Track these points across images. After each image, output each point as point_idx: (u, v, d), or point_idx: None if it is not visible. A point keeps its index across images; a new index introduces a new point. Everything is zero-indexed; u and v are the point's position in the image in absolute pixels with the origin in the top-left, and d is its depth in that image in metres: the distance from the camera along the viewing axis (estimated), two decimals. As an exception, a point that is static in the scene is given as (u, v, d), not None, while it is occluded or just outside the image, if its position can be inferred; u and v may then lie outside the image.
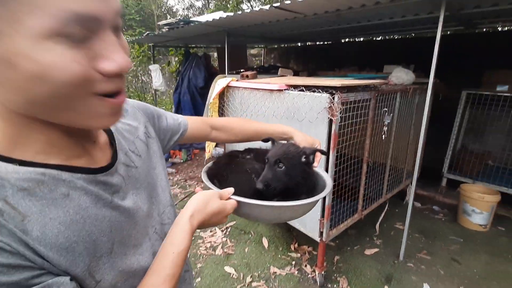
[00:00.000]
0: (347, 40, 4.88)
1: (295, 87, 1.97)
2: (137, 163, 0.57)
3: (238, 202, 0.63)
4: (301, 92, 1.90)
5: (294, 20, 2.60)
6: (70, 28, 0.33)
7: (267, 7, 2.20)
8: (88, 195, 0.43)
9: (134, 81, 7.52)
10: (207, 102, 2.80)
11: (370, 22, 2.80)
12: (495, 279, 2.11)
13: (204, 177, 0.76)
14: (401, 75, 2.42)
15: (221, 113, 2.71)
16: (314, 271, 2.17)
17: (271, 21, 2.71)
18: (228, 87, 2.58)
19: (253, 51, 6.85)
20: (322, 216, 1.92)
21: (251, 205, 0.64)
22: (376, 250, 2.43)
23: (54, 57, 0.33)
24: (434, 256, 2.36)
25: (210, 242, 2.57)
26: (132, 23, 10.59)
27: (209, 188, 0.68)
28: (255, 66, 4.97)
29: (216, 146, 3.65)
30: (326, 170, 1.82)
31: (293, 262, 2.30)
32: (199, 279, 2.14)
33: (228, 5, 8.18)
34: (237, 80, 2.59)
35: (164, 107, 7.48)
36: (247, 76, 2.68)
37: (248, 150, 0.90)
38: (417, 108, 2.73)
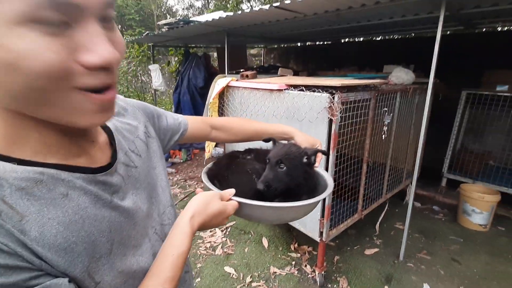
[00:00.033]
0: (347, 40, 4.88)
1: (295, 87, 1.97)
2: (137, 163, 0.56)
3: (239, 203, 0.63)
4: (301, 92, 1.89)
5: (294, 20, 2.60)
6: (45, 13, 0.30)
7: (267, 6, 2.19)
8: (87, 195, 0.43)
9: (133, 81, 7.51)
10: (207, 102, 2.80)
11: (370, 22, 2.80)
12: (495, 279, 2.11)
13: (204, 178, 0.75)
14: (401, 75, 2.42)
15: (221, 113, 2.70)
16: (314, 271, 2.17)
17: (271, 21, 2.71)
18: (228, 87, 2.58)
19: (253, 51, 6.85)
20: (322, 216, 1.92)
21: (252, 206, 0.63)
22: (376, 250, 2.43)
23: (27, 45, 0.31)
24: (434, 256, 2.36)
25: (210, 242, 2.56)
26: (132, 23, 10.59)
27: (209, 189, 0.67)
28: (255, 66, 4.97)
29: (216, 146, 3.65)
30: (326, 170, 1.81)
31: (293, 262, 2.30)
32: (198, 279, 2.14)
33: (228, 5, 8.18)
34: (237, 80, 2.59)
35: (163, 107, 7.48)
36: (247, 76, 2.68)
37: (249, 151, 0.90)
38: (417, 108, 2.73)
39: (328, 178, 0.81)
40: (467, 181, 3.09)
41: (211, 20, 2.81)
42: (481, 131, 3.25)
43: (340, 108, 1.71)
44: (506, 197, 2.79)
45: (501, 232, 2.70)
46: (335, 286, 2.07)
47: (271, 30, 3.37)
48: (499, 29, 3.65)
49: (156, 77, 4.89)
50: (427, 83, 1.98)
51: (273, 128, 0.90)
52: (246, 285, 2.07)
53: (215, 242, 2.56)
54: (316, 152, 0.79)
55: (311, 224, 2.02)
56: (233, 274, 2.18)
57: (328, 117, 1.74)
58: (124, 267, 0.46)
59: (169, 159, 4.51)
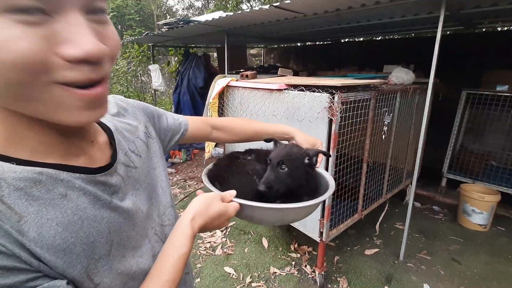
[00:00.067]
0: (347, 40, 4.88)
1: (295, 86, 1.97)
2: (137, 163, 0.56)
3: (241, 204, 0.62)
4: (301, 92, 1.89)
5: (293, 20, 2.60)
6: (18, 1, 0.29)
7: (266, 6, 2.19)
8: (87, 195, 0.43)
9: (133, 81, 7.51)
10: (206, 102, 2.80)
11: (370, 22, 2.80)
12: (495, 279, 2.11)
13: (205, 179, 0.74)
14: (401, 75, 2.42)
15: (221, 113, 2.70)
16: (314, 271, 2.17)
17: (271, 21, 2.71)
18: (227, 87, 2.58)
19: (252, 51, 6.85)
20: (322, 216, 1.92)
21: (254, 208, 0.63)
22: (376, 250, 2.43)
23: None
24: (434, 256, 2.36)
25: (210, 242, 2.56)
26: (132, 23, 10.59)
27: (210, 191, 0.67)
28: (254, 66, 4.97)
29: (215, 146, 3.65)
30: (326, 170, 1.81)
31: (293, 263, 2.30)
32: (198, 279, 2.14)
33: (228, 5, 8.18)
34: (236, 80, 2.58)
35: (163, 107, 7.47)
36: (246, 76, 2.68)
37: (249, 151, 0.89)
38: (417, 108, 2.72)
39: (329, 178, 0.81)
40: (467, 181, 3.09)
41: (211, 20, 2.81)
42: (481, 131, 3.24)
43: (340, 108, 1.71)
44: (506, 197, 2.79)
45: (501, 232, 2.70)
46: (335, 286, 2.06)
47: (271, 30, 3.37)
48: (499, 29, 3.66)
49: (156, 77, 4.89)
50: (427, 83, 1.98)
51: (273, 128, 0.90)
52: (246, 286, 2.07)
53: (215, 242, 2.56)
54: (317, 153, 0.79)
55: (311, 224, 2.02)
56: (233, 274, 2.17)
57: (328, 117, 1.74)
58: (124, 269, 0.46)
59: (169, 159, 4.51)
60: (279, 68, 3.43)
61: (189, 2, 14.14)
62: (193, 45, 5.48)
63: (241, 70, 3.17)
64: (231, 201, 0.62)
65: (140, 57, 6.55)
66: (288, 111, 1.99)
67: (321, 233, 1.97)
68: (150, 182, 0.58)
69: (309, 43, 5.32)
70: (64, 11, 0.32)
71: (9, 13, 0.29)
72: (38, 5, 0.30)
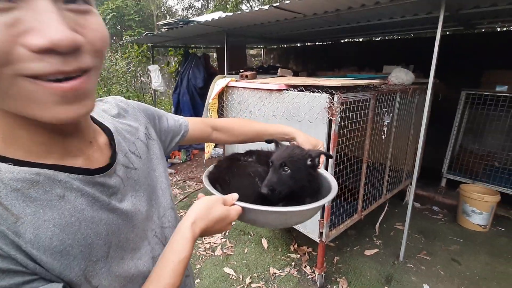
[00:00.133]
0: (346, 40, 4.88)
1: (295, 87, 1.96)
2: (136, 164, 0.55)
3: (243, 208, 0.61)
4: (301, 92, 1.89)
5: (293, 20, 2.60)
6: None
7: (266, 7, 2.19)
8: (85, 196, 0.42)
9: (133, 82, 7.51)
10: (206, 102, 2.79)
11: (370, 22, 2.80)
12: (495, 279, 2.11)
13: (205, 182, 0.73)
14: (400, 75, 2.42)
15: (221, 113, 2.70)
16: (313, 272, 2.16)
17: (271, 21, 2.71)
18: (227, 87, 2.58)
19: (252, 52, 6.85)
20: (322, 216, 1.92)
21: (256, 211, 0.62)
22: (376, 250, 2.42)
23: None
24: (434, 257, 2.36)
25: (210, 243, 2.56)
26: (131, 24, 10.59)
27: (211, 193, 0.66)
28: (254, 67, 4.97)
29: (215, 146, 3.65)
30: (326, 170, 1.81)
31: (293, 263, 2.30)
32: (198, 280, 2.13)
33: (228, 5, 8.18)
34: (236, 80, 2.58)
35: (163, 108, 7.48)
36: (246, 76, 2.67)
37: (250, 152, 0.88)
38: (417, 108, 2.72)
39: (331, 179, 0.80)
40: (467, 181, 3.09)
41: (210, 20, 2.81)
42: (481, 131, 3.25)
43: (340, 109, 1.71)
44: (506, 198, 2.79)
45: (501, 232, 2.70)
46: (335, 287, 2.06)
47: (270, 30, 3.37)
48: (498, 29, 3.66)
49: (156, 78, 4.89)
50: (427, 83, 1.98)
51: (273, 129, 0.89)
52: (245, 286, 2.07)
53: (214, 243, 2.55)
54: (320, 154, 0.78)
55: (310, 225, 2.01)
56: (232, 275, 2.17)
57: (328, 118, 1.74)
58: (122, 271, 0.45)
59: (169, 160, 4.50)
60: (279, 69, 3.43)
61: (189, 2, 14.14)
62: (193, 46, 5.48)
63: (241, 71, 3.17)
64: (233, 204, 0.61)
65: (140, 57, 6.55)
66: (287, 111, 1.99)
67: (320, 234, 1.97)
68: (150, 184, 0.58)
69: (308, 43, 5.32)
70: None
71: None
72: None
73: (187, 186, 3.71)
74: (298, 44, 5.51)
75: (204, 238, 2.62)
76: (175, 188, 3.66)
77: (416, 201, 3.20)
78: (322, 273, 2.06)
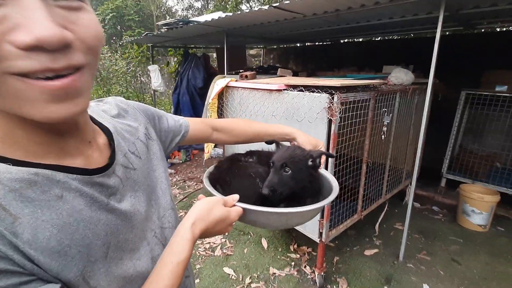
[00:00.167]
0: (346, 40, 4.88)
1: (294, 87, 1.96)
2: (136, 164, 0.55)
3: (244, 209, 0.61)
4: (300, 92, 1.89)
5: (293, 21, 2.60)
6: None
7: (266, 7, 2.19)
8: (83, 197, 0.42)
9: (133, 82, 7.50)
10: (206, 102, 2.79)
11: (370, 22, 2.80)
12: (495, 279, 2.11)
13: (206, 183, 0.73)
14: (400, 75, 2.42)
15: (220, 113, 2.70)
16: (313, 272, 2.16)
17: (270, 22, 2.71)
18: (227, 87, 2.58)
19: (252, 52, 6.85)
20: (322, 216, 1.92)
21: (257, 213, 0.61)
22: (375, 250, 2.42)
23: None
24: (434, 257, 2.36)
25: (209, 243, 2.56)
26: (131, 24, 10.59)
27: (211, 194, 0.66)
28: (254, 67, 4.97)
29: (215, 146, 3.65)
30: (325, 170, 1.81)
31: (293, 263, 2.30)
32: (198, 280, 2.13)
33: (227, 5, 8.18)
34: (236, 80, 2.58)
35: (163, 108, 7.47)
36: (246, 76, 2.67)
37: (251, 153, 0.88)
38: (417, 108, 2.72)
39: (332, 180, 0.79)
40: (467, 181, 3.09)
41: (210, 20, 2.81)
42: (480, 131, 3.25)
43: (340, 109, 1.71)
44: (506, 198, 2.79)
45: (501, 232, 2.70)
46: (334, 287, 2.06)
47: (270, 30, 3.37)
48: (498, 29, 3.66)
49: (155, 78, 4.89)
50: (427, 83, 1.98)
51: (274, 129, 0.89)
52: (245, 286, 2.06)
53: (214, 243, 2.55)
54: (321, 154, 0.77)
55: (310, 225, 2.01)
56: (232, 275, 2.17)
57: (328, 118, 1.74)
58: (120, 272, 0.45)
59: (168, 160, 4.50)
60: (279, 69, 3.43)
61: (189, 2, 14.15)
62: (193, 46, 5.48)
63: (241, 71, 3.17)
64: (234, 205, 0.61)
65: (140, 57, 6.55)
66: (287, 111, 1.99)
67: (320, 234, 1.97)
68: (149, 184, 0.58)
69: (308, 43, 5.32)
70: None
71: None
72: None
73: (186, 186, 3.71)
74: (298, 44, 5.51)
75: (204, 239, 2.62)
76: (174, 188, 3.66)
77: (416, 201, 3.20)
78: (322, 273, 2.06)
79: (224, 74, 3.14)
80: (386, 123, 2.23)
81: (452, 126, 3.29)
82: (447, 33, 3.69)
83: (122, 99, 0.64)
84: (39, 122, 0.35)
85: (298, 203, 0.65)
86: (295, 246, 2.49)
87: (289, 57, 5.75)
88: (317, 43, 5.25)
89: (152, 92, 5.69)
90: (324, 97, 1.73)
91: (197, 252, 2.43)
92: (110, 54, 6.97)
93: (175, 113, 4.81)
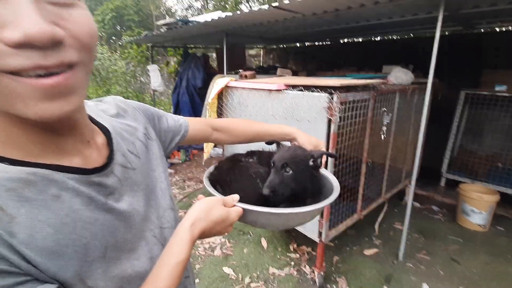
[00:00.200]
0: (346, 40, 4.88)
1: (294, 87, 1.96)
2: (135, 164, 0.55)
3: (244, 209, 0.60)
4: (300, 92, 1.89)
5: (292, 20, 2.60)
6: None
7: (265, 7, 2.19)
8: (80, 196, 0.42)
9: (132, 82, 7.50)
10: (205, 102, 2.79)
11: (369, 22, 2.80)
12: (495, 279, 2.11)
13: (206, 183, 0.72)
14: (400, 75, 2.42)
15: (220, 113, 2.70)
16: (313, 271, 2.16)
17: (270, 21, 2.71)
18: (226, 87, 2.57)
19: (251, 52, 6.85)
20: (321, 216, 1.92)
21: (258, 213, 0.61)
22: (375, 250, 2.42)
23: None
24: (433, 256, 2.36)
25: (209, 243, 2.55)
26: (131, 24, 10.58)
27: (211, 194, 0.65)
28: (254, 67, 4.97)
29: (214, 146, 3.64)
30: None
31: (292, 263, 2.29)
32: (197, 280, 2.13)
33: (227, 5, 8.18)
34: (235, 80, 2.58)
35: (162, 108, 7.47)
36: (245, 76, 2.67)
37: (251, 153, 0.87)
38: (416, 108, 2.73)
39: (333, 180, 0.78)
40: (466, 181, 3.09)
41: (210, 20, 2.81)
42: (480, 130, 3.25)
43: (339, 108, 1.70)
44: (506, 197, 2.79)
45: (501, 232, 2.70)
46: (334, 286, 2.06)
47: (270, 30, 3.37)
48: (498, 29, 3.66)
49: (155, 78, 4.89)
50: (426, 83, 1.98)
51: (274, 129, 0.88)
52: (245, 286, 2.06)
53: (213, 243, 2.55)
54: (322, 154, 0.77)
55: (310, 224, 2.01)
56: (231, 275, 2.17)
57: (327, 117, 1.74)
58: (118, 272, 0.45)
59: (168, 160, 4.50)
60: (278, 69, 3.44)
61: (188, 2, 14.14)
62: (192, 46, 5.48)
63: (240, 71, 3.17)
64: (234, 205, 0.60)
65: (139, 57, 6.55)
66: (287, 111, 1.99)
67: (320, 233, 1.97)
68: (148, 184, 0.57)
69: (308, 43, 5.32)
70: None
71: None
72: None
73: (186, 186, 3.71)
74: (298, 44, 5.51)
75: (204, 239, 2.61)
76: (174, 188, 3.65)
77: (416, 200, 3.20)
78: (322, 273, 2.06)
79: (223, 74, 3.14)
80: (385, 122, 2.23)
81: (451, 126, 3.29)
82: (447, 33, 3.69)
83: (122, 99, 0.64)
84: (35, 121, 0.35)
85: (298, 204, 0.65)
86: (295, 245, 2.49)
87: (289, 57, 5.75)
88: (316, 43, 5.25)
89: (151, 92, 5.69)
90: (323, 96, 1.73)
91: (196, 252, 2.42)
92: (109, 54, 6.97)
93: (175, 113, 4.81)
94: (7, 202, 0.35)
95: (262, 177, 0.74)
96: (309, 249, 2.43)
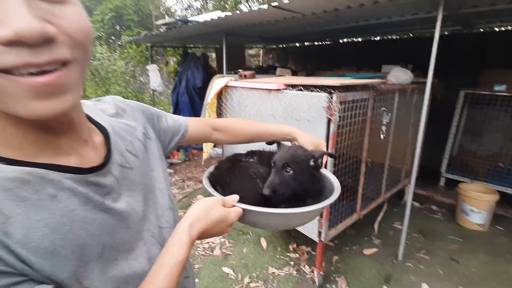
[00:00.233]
0: (345, 40, 4.88)
1: (293, 86, 1.96)
2: (133, 164, 0.55)
3: (244, 209, 0.60)
4: (299, 92, 1.89)
5: (292, 20, 2.59)
6: None
7: (265, 6, 2.19)
8: (77, 196, 0.41)
9: (131, 82, 7.49)
10: (204, 102, 2.79)
11: (369, 22, 2.80)
12: (494, 278, 2.11)
13: (206, 183, 0.72)
14: (399, 75, 2.42)
15: (219, 113, 2.69)
16: (312, 271, 2.16)
17: (269, 21, 2.70)
18: (226, 86, 2.57)
19: (251, 52, 6.85)
20: (321, 216, 1.91)
21: (257, 213, 0.60)
22: (374, 250, 2.42)
23: None
24: (433, 256, 2.36)
25: (208, 242, 2.55)
26: (130, 24, 10.57)
27: (211, 195, 0.65)
28: (253, 67, 4.97)
29: (214, 146, 3.64)
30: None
31: (292, 263, 2.29)
32: (197, 280, 2.13)
33: (226, 5, 8.18)
34: (235, 80, 2.58)
35: (162, 108, 7.47)
36: (245, 76, 2.67)
37: (251, 153, 0.86)
38: (416, 108, 2.72)
39: (334, 180, 0.78)
40: (466, 180, 3.09)
41: (209, 20, 2.80)
42: (479, 130, 3.25)
43: (339, 108, 1.70)
44: (506, 197, 2.79)
45: (500, 231, 2.70)
46: (333, 286, 2.06)
47: (269, 30, 3.37)
48: (497, 29, 3.66)
49: (154, 78, 4.88)
50: (425, 82, 1.98)
51: (274, 129, 0.88)
52: (244, 286, 2.06)
53: (213, 243, 2.55)
54: (323, 154, 0.76)
55: (309, 224, 2.01)
56: (231, 274, 2.17)
57: (327, 117, 1.74)
58: (115, 272, 0.44)
59: (167, 160, 4.50)
60: (278, 68, 3.43)
61: (188, 2, 14.12)
62: (192, 46, 5.47)
63: (240, 70, 3.17)
64: (234, 206, 0.60)
65: (139, 57, 6.54)
66: (286, 111, 1.99)
67: (319, 233, 1.97)
68: (147, 184, 0.57)
69: (307, 43, 5.32)
70: None
71: None
72: None
73: (185, 186, 3.70)
74: (297, 44, 5.51)
75: (203, 239, 2.61)
76: (173, 188, 3.65)
77: (415, 200, 3.20)
78: (321, 273, 2.06)
79: (223, 74, 3.14)
80: (385, 122, 2.23)
81: (451, 126, 3.29)
82: (446, 32, 3.69)
83: (121, 99, 0.64)
84: (30, 120, 0.35)
85: (299, 204, 0.64)
86: (294, 245, 2.49)
87: (288, 57, 5.75)
88: (316, 43, 5.25)
89: (151, 92, 5.68)
90: (323, 96, 1.73)
91: (196, 252, 2.42)
92: (109, 54, 6.96)
93: (174, 113, 4.81)
94: (3, 202, 0.35)
95: (262, 177, 0.74)
96: (309, 249, 2.43)
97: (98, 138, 0.50)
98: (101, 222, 0.44)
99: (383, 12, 2.39)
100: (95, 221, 0.43)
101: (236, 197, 0.61)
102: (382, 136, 2.25)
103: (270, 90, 2.09)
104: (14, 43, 0.29)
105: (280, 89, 2.02)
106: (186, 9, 14.27)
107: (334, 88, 1.74)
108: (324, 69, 4.17)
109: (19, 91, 0.32)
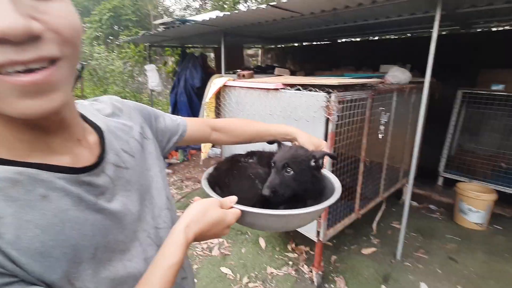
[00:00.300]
0: (343, 40, 4.89)
1: (292, 86, 1.96)
2: (129, 163, 0.54)
3: (242, 211, 0.59)
4: (298, 91, 1.89)
5: (291, 20, 2.59)
6: None
7: (264, 6, 2.19)
8: (69, 196, 0.41)
9: (129, 82, 7.47)
10: (203, 102, 2.78)
11: (367, 22, 2.80)
12: (493, 277, 2.12)
13: (204, 185, 0.71)
14: (397, 74, 2.43)
15: (218, 112, 2.69)
16: (311, 271, 2.16)
17: (268, 21, 2.70)
18: (224, 86, 2.57)
19: (250, 52, 6.85)
20: (320, 216, 1.91)
21: (256, 215, 0.60)
22: (373, 249, 2.43)
23: None
24: (431, 255, 2.36)
25: (207, 243, 2.55)
26: (128, 24, 10.54)
27: (209, 196, 0.64)
28: (252, 66, 4.96)
29: (212, 146, 3.63)
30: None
31: (290, 262, 2.29)
32: (195, 280, 2.12)
33: (225, 5, 8.17)
34: (233, 80, 2.57)
35: (160, 108, 7.45)
36: (243, 76, 2.67)
37: (251, 153, 0.85)
38: (414, 107, 2.73)
39: (335, 180, 0.77)
40: (463, 179, 3.10)
41: (207, 19, 2.80)
42: (477, 130, 3.26)
43: (337, 108, 1.70)
44: (504, 196, 2.80)
45: (498, 230, 2.71)
46: (332, 286, 2.06)
47: (268, 30, 3.36)
48: (494, 29, 3.68)
49: (153, 78, 4.87)
50: (423, 82, 1.98)
51: (274, 129, 0.87)
52: (243, 286, 2.06)
53: (211, 243, 2.54)
54: (324, 155, 0.75)
55: (308, 224, 2.01)
56: (229, 274, 2.16)
57: (325, 116, 1.74)
58: (109, 273, 0.44)
59: (166, 160, 4.49)
60: (276, 68, 3.43)
61: (186, 2, 14.10)
62: (190, 45, 5.46)
63: (238, 70, 3.17)
64: (232, 207, 0.59)
65: (137, 57, 6.52)
66: (284, 110, 1.98)
67: (318, 233, 1.97)
68: (143, 184, 0.56)
69: (306, 43, 5.32)
70: None
71: None
72: None
73: (184, 186, 3.70)
74: (296, 44, 5.51)
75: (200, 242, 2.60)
76: (172, 188, 3.64)
77: (413, 199, 3.21)
78: (320, 272, 2.06)
79: (221, 73, 3.14)
80: (383, 122, 2.23)
81: (449, 125, 3.30)
82: (444, 32, 3.70)
83: (118, 98, 0.63)
84: (21, 119, 0.34)
85: (299, 205, 0.63)
86: (293, 245, 2.49)
87: (287, 56, 5.75)
88: (314, 43, 5.26)
89: (149, 92, 5.66)
90: (321, 96, 1.73)
91: (194, 252, 2.42)
92: (107, 54, 6.94)
93: (173, 113, 4.80)
94: None
95: (262, 178, 0.73)
96: (307, 249, 2.43)
97: (93, 137, 0.50)
98: (94, 222, 0.43)
99: (381, 11, 2.39)
100: (87, 222, 0.42)
101: (234, 198, 0.60)
102: (380, 136, 2.25)
103: (268, 89, 2.09)
104: None
105: (278, 89, 2.02)
106: (184, 9, 14.26)
107: (333, 87, 1.74)
108: (322, 69, 4.17)
109: (6, 90, 0.31)
